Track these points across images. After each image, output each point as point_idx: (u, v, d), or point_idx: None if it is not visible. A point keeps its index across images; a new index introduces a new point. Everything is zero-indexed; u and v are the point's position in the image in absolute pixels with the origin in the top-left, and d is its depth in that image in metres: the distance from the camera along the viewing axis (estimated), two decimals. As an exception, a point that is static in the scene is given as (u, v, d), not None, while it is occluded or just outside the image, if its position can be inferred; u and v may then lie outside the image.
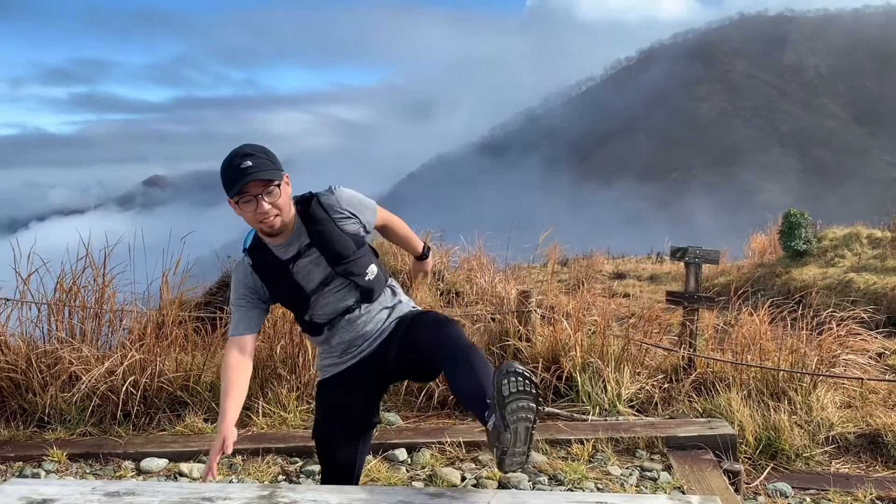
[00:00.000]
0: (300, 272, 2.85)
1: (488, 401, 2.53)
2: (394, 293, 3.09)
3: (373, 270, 2.97)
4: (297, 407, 5.01)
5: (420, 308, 3.16)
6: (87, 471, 4.42)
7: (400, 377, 3.30)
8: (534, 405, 2.43)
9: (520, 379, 2.43)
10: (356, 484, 3.10)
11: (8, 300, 5.30)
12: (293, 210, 2.81)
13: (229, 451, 2.71)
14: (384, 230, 3.24)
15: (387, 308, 3.03)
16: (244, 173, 2.62)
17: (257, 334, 2.93)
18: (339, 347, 2.99)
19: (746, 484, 4.34)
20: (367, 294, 2.96)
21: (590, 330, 5.62)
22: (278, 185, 2.69)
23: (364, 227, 2.96)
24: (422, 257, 3.48)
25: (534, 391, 2.44)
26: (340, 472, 3.06)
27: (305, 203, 2.85)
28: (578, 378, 5.19)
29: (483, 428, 2.59)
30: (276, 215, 2.71)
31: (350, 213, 2.90)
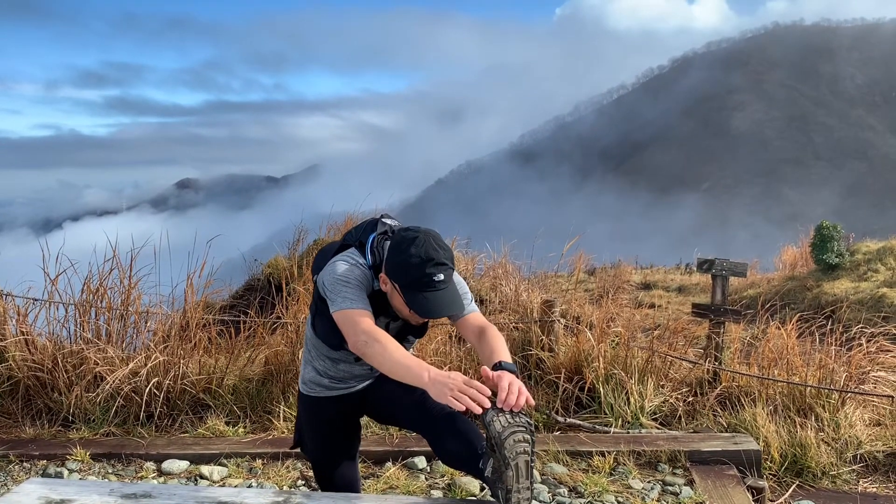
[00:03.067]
0: (382, 326, 2.84)
1: (479, 451, 2.51)
2: None
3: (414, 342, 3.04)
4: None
5: None
6: (110, 471, 4.46)
7: (373, 418, 3.29)
8: (529, 437, 2.39)
9: (510, 412, 2.40)
10: None
11: (36, 300, 5.38)
12: None
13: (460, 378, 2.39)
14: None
15: None
16: (436, 287, 2.52)
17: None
18: (341, 373, 2.99)
19: (771, 501, 4.26)
20: None
21: (614, 341, 5.56)
22: None
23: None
24: (497, 367, 2.54)
25: (526, 423, 2.40)
26: (336, 485, 3.14)
27: None
28: (601, 389, 5.15)
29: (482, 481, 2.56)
30: None
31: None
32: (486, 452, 2.47)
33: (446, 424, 2.66)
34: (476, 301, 7.32)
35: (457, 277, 2.78)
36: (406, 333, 2.90)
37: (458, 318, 2.79)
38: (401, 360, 2.47)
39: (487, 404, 2.34)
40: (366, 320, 2.57)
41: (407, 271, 2.53)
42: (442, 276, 2.53)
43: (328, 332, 2.86)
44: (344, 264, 2.70)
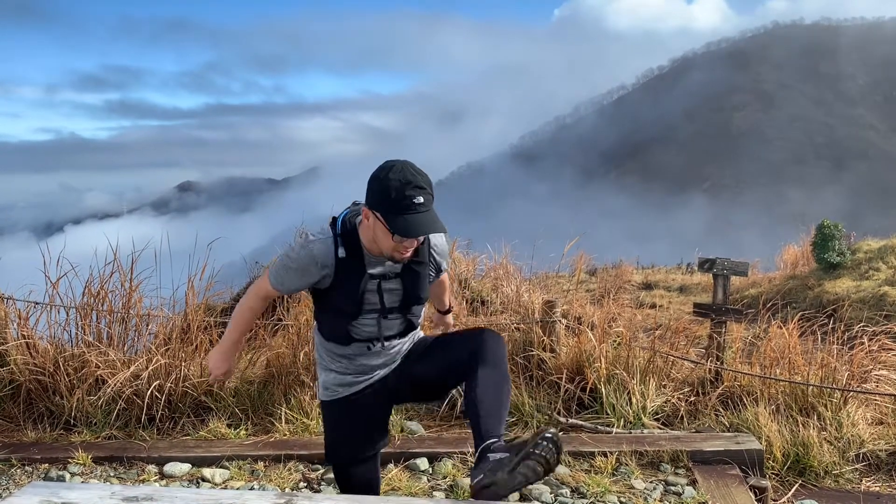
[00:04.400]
0: (374, 290, 2.83)
1: (493, 441, 2.62)
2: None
3: (423, 312, 3.05)
4: (319, 414, 5.00)
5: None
6: (112, 474, 4.45)
7: (405, 400, 3.29)
8: (543, 473, 2.50)
9: (552, 449, 2.50)
10: None
11: (37, 304, 5.38)
12: None
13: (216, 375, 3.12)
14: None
15: (410, 339, 3.08)
16: (416, 210, 2.56)
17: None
18: (360, 367, 2.99)
19: (773, 501, 4.25)
20: (410, 331, 3.01)
21: (615, 341, 5.56)
22: None
23: (436, 275, 3.05)
24: (446, 312, 3.64)
25: (555, 464, 2.52)
26: (355, 486, 3.11)
27: None
28: (603, 390, 5.14)
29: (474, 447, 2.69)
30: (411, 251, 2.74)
31: (438, 262, 2.99)
32: (511, 447, 2.53)
33: (499, 381, 2.79)
34: (477, 302, 7.32)
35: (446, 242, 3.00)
36: (409, 303, 2.90)
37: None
38: (231, 333, 3.07)
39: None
40: (259, 300, 3.00)
41: (387, 195, 2.56)
42: (421, 199, 2.56)
43: (333, 327, 2.90)
44: (299, 245, 2.82)
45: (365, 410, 3.04)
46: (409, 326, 2.99)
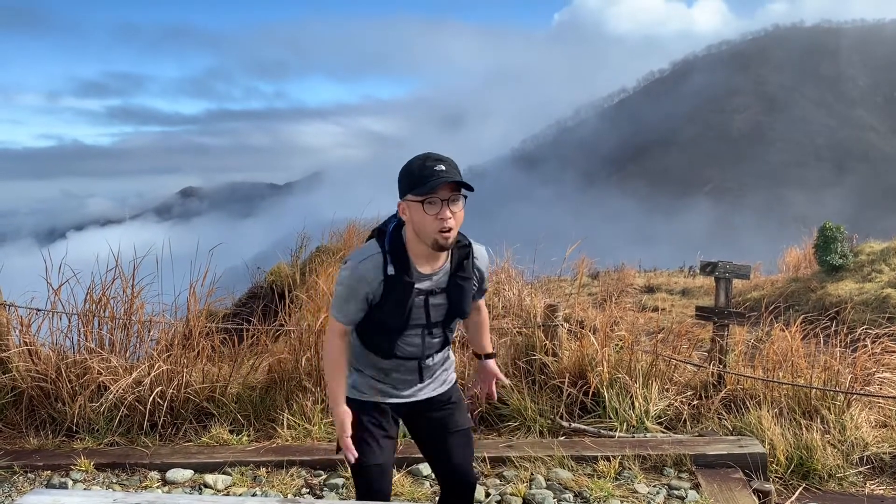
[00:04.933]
0: (422, 305, 2.84)
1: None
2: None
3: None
4: (321, 419, 5.00)
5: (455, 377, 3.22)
6: (114, 481, 4.45)
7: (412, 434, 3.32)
8: None
9: None
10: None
11: (39, 310, 5.37)
12: None
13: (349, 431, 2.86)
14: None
15: (444, 359, 3.09)
16: (438, 175, 2.62)
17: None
18: (394, 380, 2.99)
19: (777, 504, 4.24)
20: (445, 345, 3.03)
21: (617, 345, 5.55)
22: (465, 197, 2.71)
23: (478, 287, 3.05)
24: (488, 356, 3.32)
25: None
26: (376, 497, 3.09)
27: (464, 251, 2.87)
28: (605, 393, 5.13)
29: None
30: (452, 229, 2.70)
31: (482, 273, 3.00)
32: None
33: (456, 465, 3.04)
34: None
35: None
36: (452, 316, 2.91)
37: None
38: (331, 383, 2.90)
39: (351, 460, 2.85)
40: (338, 339, 2.89)
41: (411, 173, 2.65)
42: (443, 167, 2.63)
43: (378, 341, 2.91)
44: (347, 269, 2.80)
45: (384, 423, 3.03)
46: (445, 341, 3.01)
